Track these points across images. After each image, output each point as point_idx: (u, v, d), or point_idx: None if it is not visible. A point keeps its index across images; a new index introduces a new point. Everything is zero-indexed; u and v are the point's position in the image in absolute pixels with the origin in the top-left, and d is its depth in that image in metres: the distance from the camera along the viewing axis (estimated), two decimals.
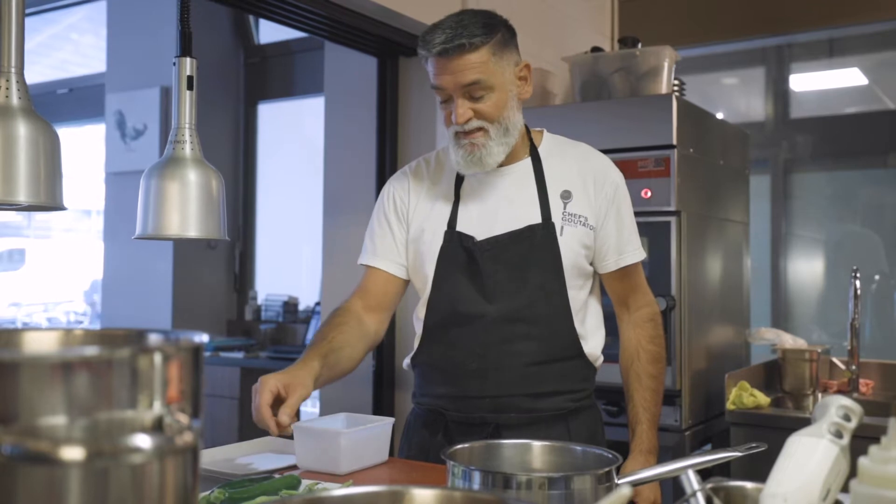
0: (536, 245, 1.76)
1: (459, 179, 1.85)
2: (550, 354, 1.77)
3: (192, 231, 1.50)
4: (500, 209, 1.79)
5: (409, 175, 1.92)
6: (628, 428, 1.85)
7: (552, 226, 1.77)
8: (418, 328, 1.87)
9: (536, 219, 1.77)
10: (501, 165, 1.80)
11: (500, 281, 1.75)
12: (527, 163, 1.83)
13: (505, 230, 1.77)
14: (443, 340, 1.81)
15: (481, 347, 1.75)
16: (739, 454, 1.30)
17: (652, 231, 2.67)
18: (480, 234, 1.78)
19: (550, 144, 1.88)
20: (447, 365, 1.80)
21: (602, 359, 1.87)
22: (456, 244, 1.79)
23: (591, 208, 1.80)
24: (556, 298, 1.76)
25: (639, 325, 1.87)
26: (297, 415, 1.60)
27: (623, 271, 1.84)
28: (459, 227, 1.80)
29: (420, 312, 1.86)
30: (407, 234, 1.87)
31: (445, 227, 1.81)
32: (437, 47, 1.68)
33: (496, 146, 1.74)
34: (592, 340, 1.84)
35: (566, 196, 1.80)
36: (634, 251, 1.84)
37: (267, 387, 1.55)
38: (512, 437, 1.64)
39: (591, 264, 1.84)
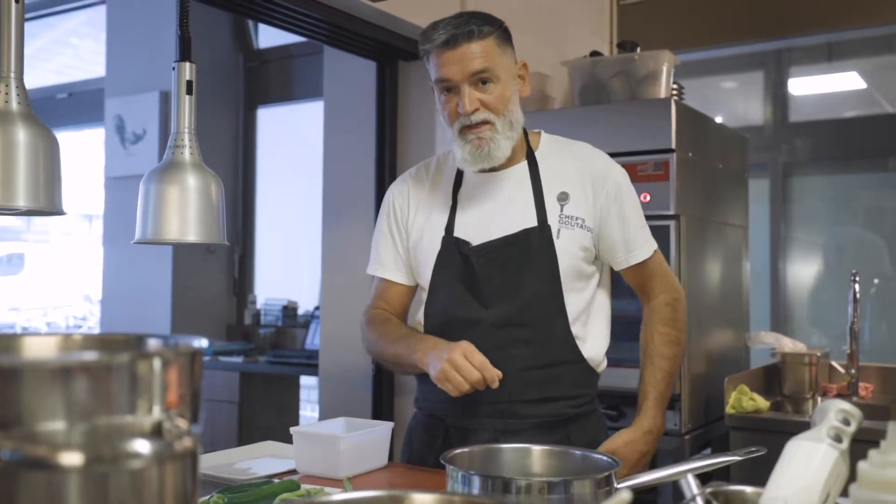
0: (532, 249, 1.75)
1: (457, 184, 1.85)
2: (547, 359, 1.75)
3: (192, 236, 1.50)
4: (497, 213, 1.79)
5: (409, 182, 1.93)
6: (636, 407, 1.82)
7: (548, 229, 1.76)
8: None
9: (532, 222, 1.76)
10: (498, 169, 1.80)
11: (495, 286, 1.75)
12: (523, 166, 1.83)
13: (501, 234, 1.76)
14: None
15: None
16: (739, 458, 1.30)
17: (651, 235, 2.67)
18: (476, 238, 1.77)
19: (548, 146, 1.87)
20: None
21: (605, 363, 1.85)
22: (452, 249, 1.79)
23: (590, 209, 1.79)
24: (552, 302, 1.75)
25: (655, 310, 1.86)
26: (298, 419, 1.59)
27: (636, 266, 1.83)
28: (457, 233, 1.80)
29: (419, 317, 1.86)
30: (407, 241, 1.88)
31: (443, 233, 1.81)
32: (444, 36, 1.69)
33: (503, 139, 1.74)
34: (594, 345, 1.82)
35: (563, 198, 1.79)
36: (643, 246, 1.83)
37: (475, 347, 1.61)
38: (511, 442, 1.64)
39: (593, 265, 1.83)
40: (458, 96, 1.71)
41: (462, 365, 1.58)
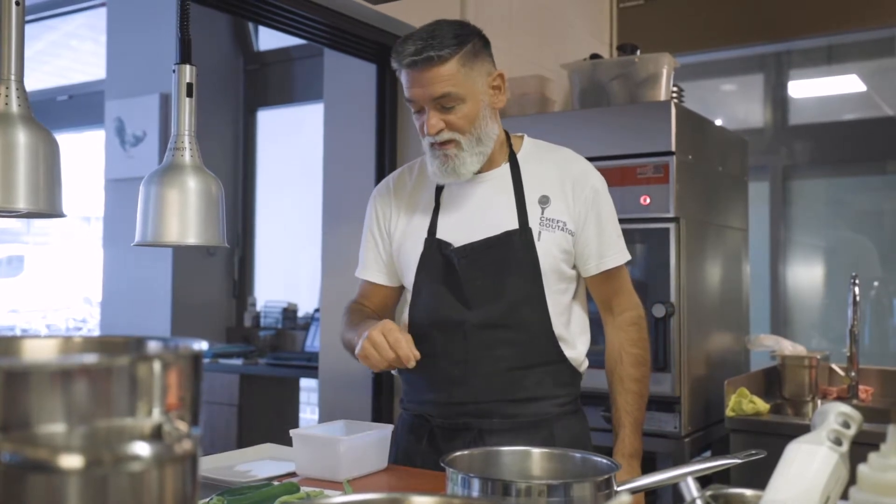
0: (514, 251, 1.76)
1: (440, 187, 1.87)
2: (531, 360, 1.77)
3: (192, 238, 1.50)
4: (478, 216, 1.81)
5: (391, 186, 1.95)
6: (612, 432, 1.84)
7: (529, 231, 1.77)
8: None
9: (514, 224, 1.78)
10: (480, 172, 1.81)
11: (478, 287, 1.77)
12: (505, 169, 1.84)
13: (482, 236, 1.78)
14: (426, 347, 1.81)
15: (463, 354, 1.77)
16: (739, 461, 1.30)
17: (651, 238, 2.67)
18: (458, 240, 1.79)
19: (530, 149, 1.89)
20: (430, 371, 1.80)
21: (587, 363, 1.87)
22: (435, 251, 1.81)
23: (570, 213, 1.80)
24: (534, 303, 1.77)
25: (622, 329, 1.86)
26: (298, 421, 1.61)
27: (606, 275, 1.84)
28: (439, 235, 1.82)
29: (405, 319, 1.88)
30: (390, 245, 1.91)
31: (426, 235, 1.83)
32: (406, 59, 1.69)
33: (469, 156, 1.75)
34: (577, 345, 1.84)
35: (544, 201, 1.80)
36: (616, 254, 1.84)
37: (397, 326, 1.65)
38: (495, 442, 1.64)
39: (575, 268, 1.84)
40: (425, 115, 1.73)
41: (379, 343, 1.61)
